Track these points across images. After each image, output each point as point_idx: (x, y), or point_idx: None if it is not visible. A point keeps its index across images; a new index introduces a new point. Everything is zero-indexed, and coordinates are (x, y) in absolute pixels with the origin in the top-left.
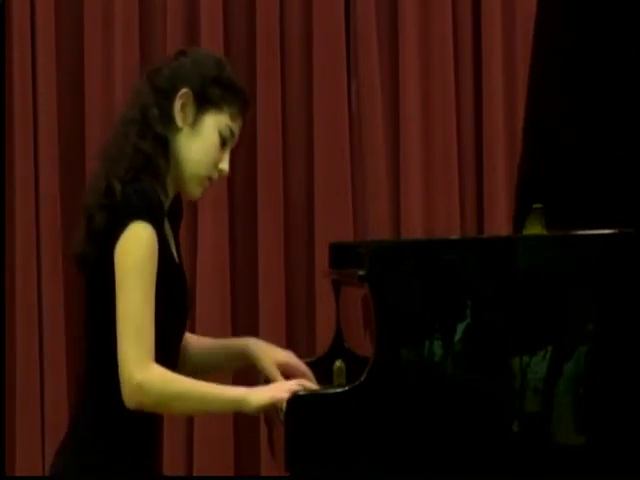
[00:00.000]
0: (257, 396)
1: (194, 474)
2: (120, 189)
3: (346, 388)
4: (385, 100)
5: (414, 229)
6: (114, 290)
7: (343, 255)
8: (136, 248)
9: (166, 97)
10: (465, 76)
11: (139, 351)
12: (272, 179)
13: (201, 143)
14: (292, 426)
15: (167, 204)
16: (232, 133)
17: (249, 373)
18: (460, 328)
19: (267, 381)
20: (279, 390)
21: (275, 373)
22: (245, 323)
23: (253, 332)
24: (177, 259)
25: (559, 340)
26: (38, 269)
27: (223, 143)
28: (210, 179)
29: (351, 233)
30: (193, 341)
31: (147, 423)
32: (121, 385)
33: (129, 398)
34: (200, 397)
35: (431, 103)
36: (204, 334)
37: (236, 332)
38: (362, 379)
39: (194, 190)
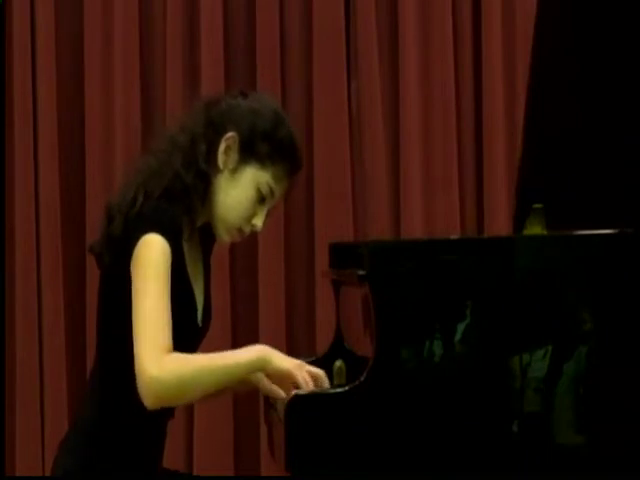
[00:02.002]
0: (281, 359)
1: (194, 474)
2: (141, 202)
3: (346, 388)
4: (385, 100)
5: (414, 229)
6: (125, 297)
7: (343, 255)
8: (148, 253)
9: (215, 133)
10: (465, 76)
11: (153, 347)
12: None
13: (237, 193)
14: (292, 426)
15: (188, 233)
16: (272, 193)
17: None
18: (460, 328)
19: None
20: (300, 370)
21: (277, 389)
22: (245, 323)
23: (253, 332)
24: (193, 285)
25: (559, 340)
26: (38, 271)
27: (261, 199)
28: (241, 231)
29: (351, 233)
30: None
31: (152, 425)
32: (137, 386)
33: (146, 395)
34: (218, 369)
35: (431, 103)
36: None
37: (236, 332)
38: (362, 379)
39: (222, 235)
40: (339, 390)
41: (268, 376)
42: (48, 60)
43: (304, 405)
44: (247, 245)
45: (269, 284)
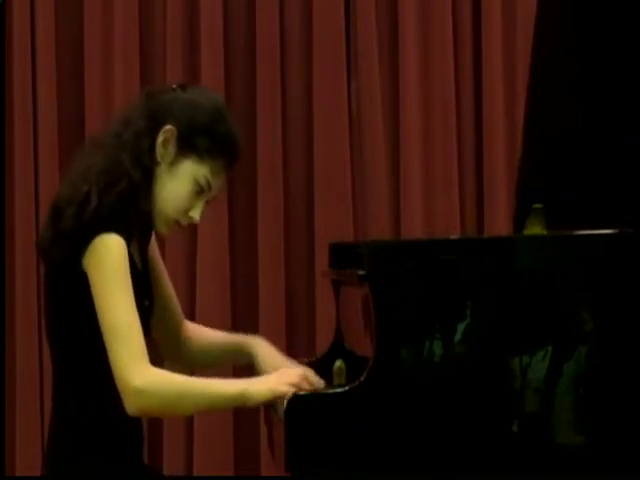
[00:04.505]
0: (258, 390)
1: (194, 474)
2: (96, 200)
3: (346, 388)
4: (385, 100)
5: (414, 229)
6: (79, 293)
7: (343, 255)
8: (108, 257)
9: (155, 126)
10: (465, 76)
11: (132, 356)
12: (272, 179)
13: (174, 186)
14: (292, 426)
15: (136, 228)
16: (210, 186)
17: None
18: (460, 328)
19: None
20: (280, 383)
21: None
22: (245, 323)
23: (253, 332)
24: (141, 275)
25: (559, 340)
26: (38, 271)
27: (199, 192)
28: (178, 224)
29: (351, 233)
30: (195, 334)
31: (123, 428)
32: (120, 394)
33: (131, 405)
34: (203, 395)
35: (431, 103)
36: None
37: (236, 332)
38: (362, 379)
39: (160, 227)
40: (339, 390)
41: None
42: (48, 60)
43: (304, 405)
44: (247, 244)
45: (269, 284)
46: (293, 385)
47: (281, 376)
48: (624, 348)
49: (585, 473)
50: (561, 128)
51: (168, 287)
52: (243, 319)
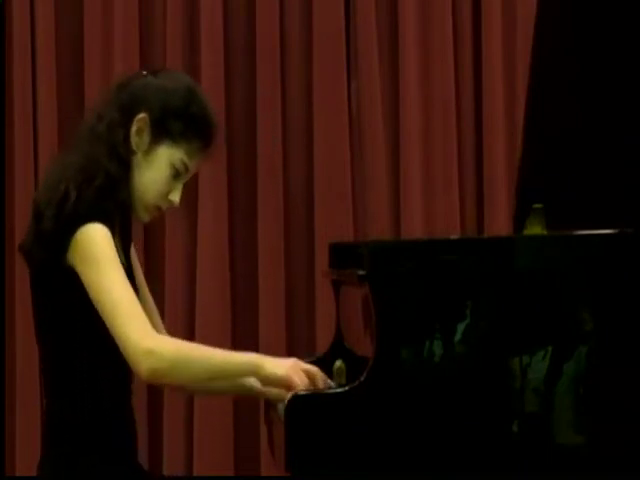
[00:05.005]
0: (274, 365)
1: (194, 474)
2: (75, 197)
3: (346, 388)
4: (385, 100)
5: (414, 229)
6: (64, 290)
7: (343, 255)
8: (93, 243)
9: (128, 116)
10: (465, 76)
11: (138, 326)
12: (272, 179)
13: (152, 173)
14: (292, 426)
15: (118, 220)
16: (187, 168)
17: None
18: (460, 328)
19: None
20: (295, 371)
21: (271, 390)
22: (245, 323)
23: (253, 332)
24: (126, 272)
25: (559, 340)
26: None
27: (176, 175)
28: (159, 209)
29: (351, 233)
30: None
31: (117, 427)
32: (129, 361)
33: (141, 366)
34: (215, 360)
35: (431, 103)
36: (204, 334)
37: (236, 332)
38: (362, 379)
39: (141, 214)
40: (339, 390)
41: (263, 383)
42: (48, 60)
43: (304, 405)
44: (247, 244)
45: (269, 284)
46: (303, 382)
47: (297, 363)
48: (624, 348)
49: (585, 473)
50: (561, 128)
51: (147, 297)
52: (243, 319)
